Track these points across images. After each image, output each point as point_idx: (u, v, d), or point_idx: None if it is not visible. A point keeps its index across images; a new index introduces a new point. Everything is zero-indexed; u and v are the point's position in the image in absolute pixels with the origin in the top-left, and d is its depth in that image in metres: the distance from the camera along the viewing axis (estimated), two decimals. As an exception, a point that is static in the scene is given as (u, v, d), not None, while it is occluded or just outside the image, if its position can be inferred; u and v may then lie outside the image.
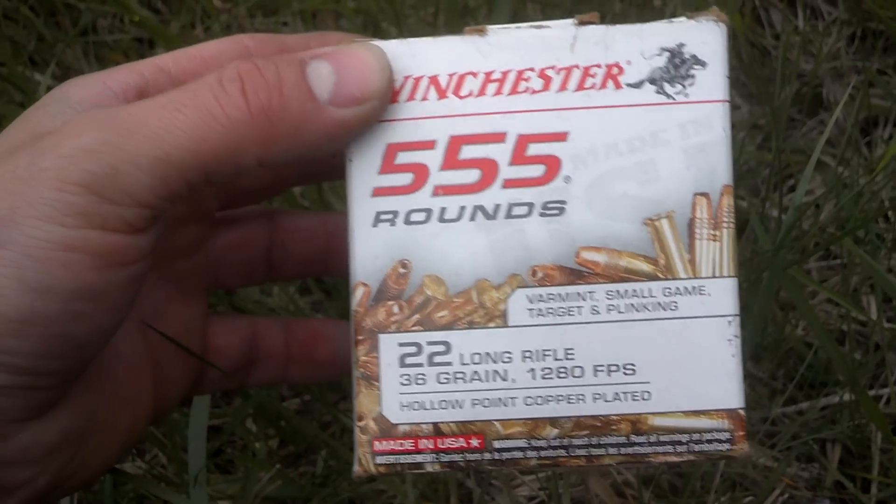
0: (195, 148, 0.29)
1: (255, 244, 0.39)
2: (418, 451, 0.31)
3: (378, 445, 0.31)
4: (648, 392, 0.30)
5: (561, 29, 0.31)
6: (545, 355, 0.30)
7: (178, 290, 0.37)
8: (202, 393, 0.40)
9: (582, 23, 0.31)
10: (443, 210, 0.31)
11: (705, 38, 0.30)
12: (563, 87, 0.31)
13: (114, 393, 0.34)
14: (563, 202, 0.30)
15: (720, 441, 0.30)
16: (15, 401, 0.29)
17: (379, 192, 0.31)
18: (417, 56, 0.31)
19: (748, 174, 0.61)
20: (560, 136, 0.30)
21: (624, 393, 0.30)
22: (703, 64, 0.30)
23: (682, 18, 0.31)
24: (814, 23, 0.68)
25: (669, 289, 0.30)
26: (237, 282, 0.40)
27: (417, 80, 0.31)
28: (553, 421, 0.30)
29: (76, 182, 0.28)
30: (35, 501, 0.32)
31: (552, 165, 0.30)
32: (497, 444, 0.30)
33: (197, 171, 0.29)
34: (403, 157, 0.31)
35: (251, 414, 0.49)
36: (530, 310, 0.30)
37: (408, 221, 0.31)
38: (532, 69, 0.31)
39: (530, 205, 0.30)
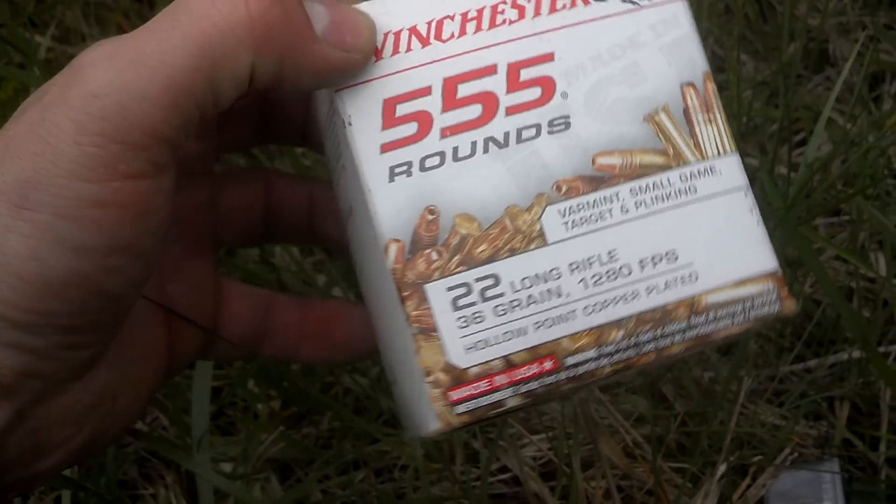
0: (196, 64, 0.28)
1: (254, 205, 0.39)
2: (495, 390, 0.30)
3: (454, 395, 0.30)
4: (695, 273, 0.31)
5: None
6: (591, 263, 0.31)
7: (193, 246, 0.37)
8: (213, 358, 0.40)
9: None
10: (455, 149, 0.31)
11: None
12: (537, 13, 0.32)
13: (143, 350, 0.35)
14: (566, 116, 0.31)
15: (771, 302, 0.31)
16: (58, 363, 0.30)
17: (387, 147, 0.31)
18: (392, 12, 0.31)
19: (755, 131, 0.61)
20: (547, 57, 0.31)
21: (673, 279, 0.31)
22: None
23: None
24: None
25: (685, 174, 0.31)
26: (237, 241, 0.40)
27: (398, 33, 0.31)
28: (617, 323, 0.30)
29: (94, 133, 0.28)
30: (72, 460, 0.32)
31: (547, 85, 0.31)
32: (569, 361, 0.30)
33: (203, 88, 0.29)
34: (403, 109, 0.31)
35: (253, 375, 0.48)
36: (565, 223, 0.31)
37: (423, 168, 0.31)
38: (504, 1, 0.32)
39: (537, 126, 0.31)
